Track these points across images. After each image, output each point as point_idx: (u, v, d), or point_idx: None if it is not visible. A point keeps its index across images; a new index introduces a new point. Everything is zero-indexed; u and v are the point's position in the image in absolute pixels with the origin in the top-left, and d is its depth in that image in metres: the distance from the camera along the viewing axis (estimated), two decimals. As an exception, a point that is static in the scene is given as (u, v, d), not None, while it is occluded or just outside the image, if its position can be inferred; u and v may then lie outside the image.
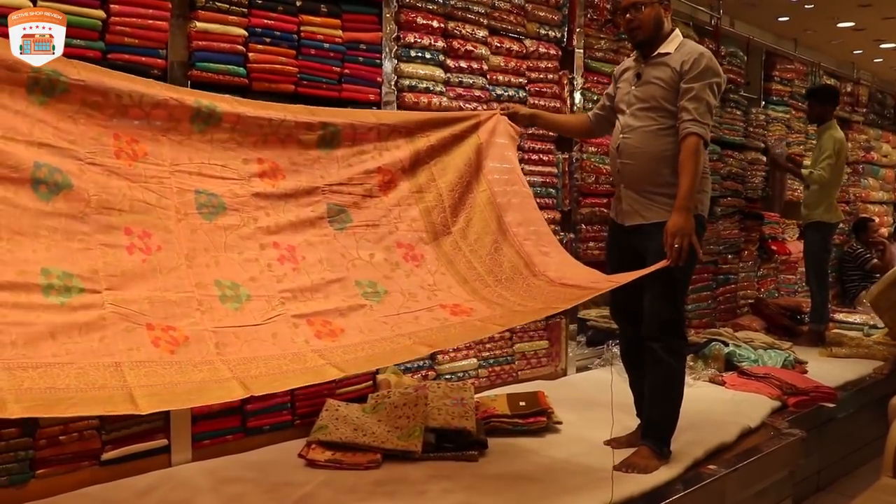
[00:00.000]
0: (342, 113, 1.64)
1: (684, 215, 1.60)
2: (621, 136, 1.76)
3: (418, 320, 1.42)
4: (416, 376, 2.20)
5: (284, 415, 1.85)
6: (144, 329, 1.09)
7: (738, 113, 3.72)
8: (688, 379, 2.51)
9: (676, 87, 1.65)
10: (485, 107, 2.37)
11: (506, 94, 2.47)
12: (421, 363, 2.20)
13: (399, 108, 2.07)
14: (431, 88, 2.18)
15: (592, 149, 2.74)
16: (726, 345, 2.85)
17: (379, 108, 2.01)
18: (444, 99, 2.23)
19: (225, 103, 1.40)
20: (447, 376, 2.32)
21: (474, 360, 2.42)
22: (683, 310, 1.74)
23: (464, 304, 1.52)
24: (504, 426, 1.92)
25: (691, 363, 2.72)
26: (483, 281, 1.61)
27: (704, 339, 2.93)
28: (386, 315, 1.41)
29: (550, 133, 2.55)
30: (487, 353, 2.47)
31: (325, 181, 1.54)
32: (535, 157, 2.58)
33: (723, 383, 2.51)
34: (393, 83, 2.07)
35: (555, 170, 2.63)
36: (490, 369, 2.45)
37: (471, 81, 2.31)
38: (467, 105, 2.33)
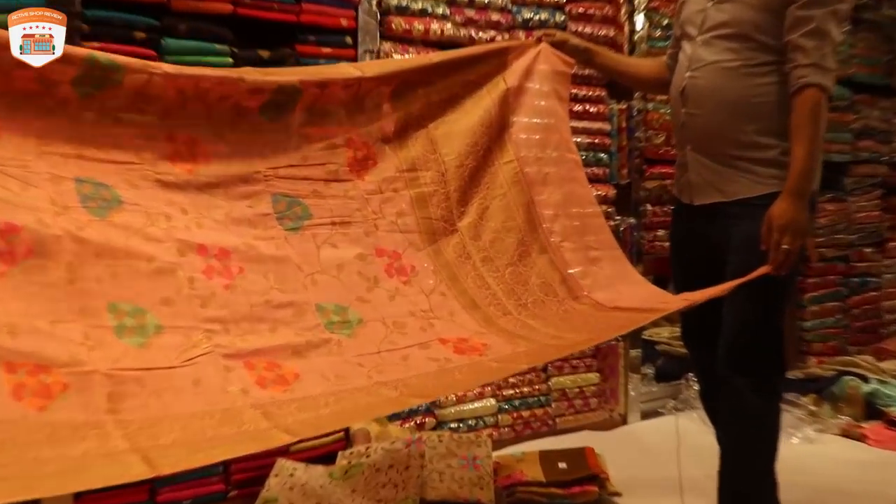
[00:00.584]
0: (310, 70, 1.62)
1: (797, 203, 1.55)
2: (688, 73, 1.71)
3: (408, 362, 1.39)
4: (407, 424, 2.18)
5: (214, 483, 1.84)
6: (1, 372, 1.05)
7: (877, 39, 3.60)
8: (808, 430, 2.44)
9: (777, 9, 1.59)
10: (506, 36, 2.31)
11: (536, 17, 2.40)
12: (415, 406, 2.18)
13: (384, 37, 2.08)
14: (430, 10, 2.17)
15: (662, 96, 2.67)
16: (866, 380, 2.79)
17: (354, 36, 2.02)
18: (448, 25, 2.20)
19: (134, 64, 1.36)
20: (453, 424, 2.30)
21: (492, 401, 2.39)
22: (782, 330, 1.71)
23: (473, 337, 1.50)
24: (537, 499, 1.90)
25: (813, 407, 2.66)
26: (500, 306, 1.60)
27: (832, 371, 2.87)
28: (361, 354, 1.38)
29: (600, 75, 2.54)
30: (511, 391, 2.44)
31: (269, 163, 1.50)
32: (578, 107, 2.57)
33: (862, 437, 2.47)
34: (375, 3, 2.07)
35: (607, 126, 2.62)
36: (516, 414, 2.44)
37: (486, 0, 2.29)
38: (481, 36, 2.27)
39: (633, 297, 1.65)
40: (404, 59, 1.86)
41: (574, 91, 2.53)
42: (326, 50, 2.12)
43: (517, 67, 1.79)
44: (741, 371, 1.67)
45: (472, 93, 1.75)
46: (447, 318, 1.53)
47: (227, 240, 1.38)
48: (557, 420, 2.53)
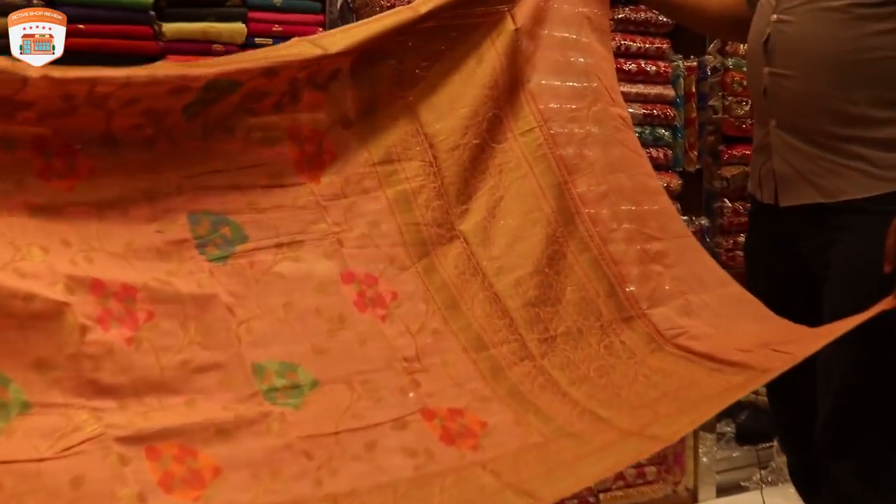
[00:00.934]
0: (254, 56, 1.57)
1: None
2: (774, 16, 1.66)
3: (374, 454, 1.33)
4: None
5: None
6: None
7: None
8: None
9: None
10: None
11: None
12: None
13: None
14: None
15: (744, 49, 2.59)
16: None
17: None
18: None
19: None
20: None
21: (510, 471, 2.37)
22: None
23: (471, 408, 1.43)
24: None
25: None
26: (517, 344, 1.54)
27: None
28: (311, 435, 1.32)
29: (660, 18, 2.51)
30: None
31: (184, 169, 1.46)
32: (630, 65, 2.52)
33: None
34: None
35: (670, 91, 2.57)
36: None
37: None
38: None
39: (707, 324, 1.59)
40: (383, 17, 1.80)
41: (623, 42, 2.49)
42: (285, -14, 2.12)
43: (526, 4, 1.72)
44: (845, 453, 1.63)
45: (467, 41, 1.68)
46: (439, 370, 1.47)
47: (130, 275, 1.34)
48: (601, 497, 2.49)
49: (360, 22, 1.78)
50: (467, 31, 1.69)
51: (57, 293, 1.24)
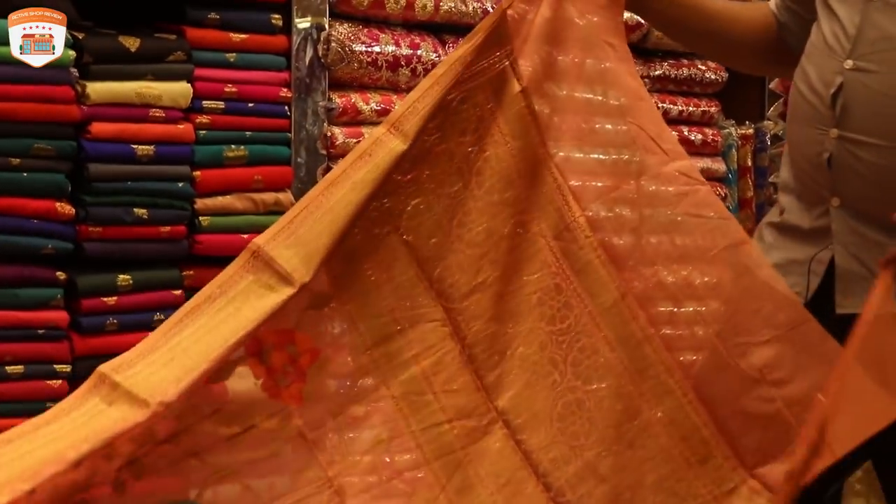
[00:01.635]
0: (198, 347, 1.33)
1: None
2: (849, 62, 1.51)
3: None
4: None
5: None
6: None
7: None
8: None
9: None
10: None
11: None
12: None
13: (336, 12, 2.13)
14: None
15: None
16: None
17: (285, 9, 2.07)
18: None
19: None
20: None
21: None
22: None
23: None
24: None
25: None
26: None
27: None
28: None
29: (707, 74, 2.48)
30: None
31: (120, 453, 1.25)
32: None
33: None
34: None
35: (720, 165, 2.58)
36: None
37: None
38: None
39: None
40: (347, 181, 1.54)
41: (662, 104, 2.43)
42: (238, 36, 2.03)
43: (533, 44, 1.46)
44: None
45: (460, 124, 1.44)
46: None
47: None
48: None
49: (317, 193, 1.43)
50: (457, 109, 1.41)
51: None
